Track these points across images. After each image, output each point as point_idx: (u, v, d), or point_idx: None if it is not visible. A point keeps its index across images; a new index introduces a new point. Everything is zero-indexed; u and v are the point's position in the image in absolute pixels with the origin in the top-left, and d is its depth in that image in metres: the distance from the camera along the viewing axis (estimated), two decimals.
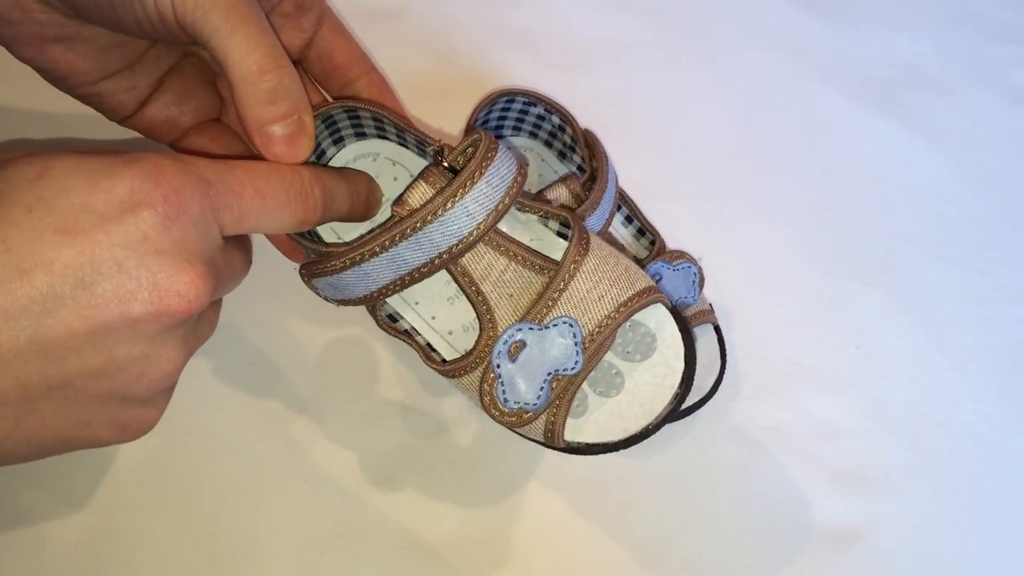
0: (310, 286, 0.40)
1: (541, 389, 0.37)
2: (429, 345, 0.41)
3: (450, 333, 0.41)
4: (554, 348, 0.37)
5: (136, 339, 0.30)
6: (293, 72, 0.36)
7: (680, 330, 0.39)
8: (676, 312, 0.39)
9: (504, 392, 0.37)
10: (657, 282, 0.46)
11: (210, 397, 0.46)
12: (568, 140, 0.50)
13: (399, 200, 0.37)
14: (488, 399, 0.37)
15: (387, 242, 0.36)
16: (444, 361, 0.40)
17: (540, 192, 0.44)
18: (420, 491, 0.45)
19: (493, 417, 0.38)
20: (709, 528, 0.46)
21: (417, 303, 0.42)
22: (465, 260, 0.38)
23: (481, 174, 0.36)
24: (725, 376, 0.48)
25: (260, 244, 0.46)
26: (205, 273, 0.31)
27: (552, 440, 0.38)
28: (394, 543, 0.44)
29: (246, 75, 0.34)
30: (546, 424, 0.38)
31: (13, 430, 0.29)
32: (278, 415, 0.46)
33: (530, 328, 0.37)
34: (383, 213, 0.43)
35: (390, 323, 0.41)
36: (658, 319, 0.39)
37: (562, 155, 0.51)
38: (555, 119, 0.49)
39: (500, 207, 0.37)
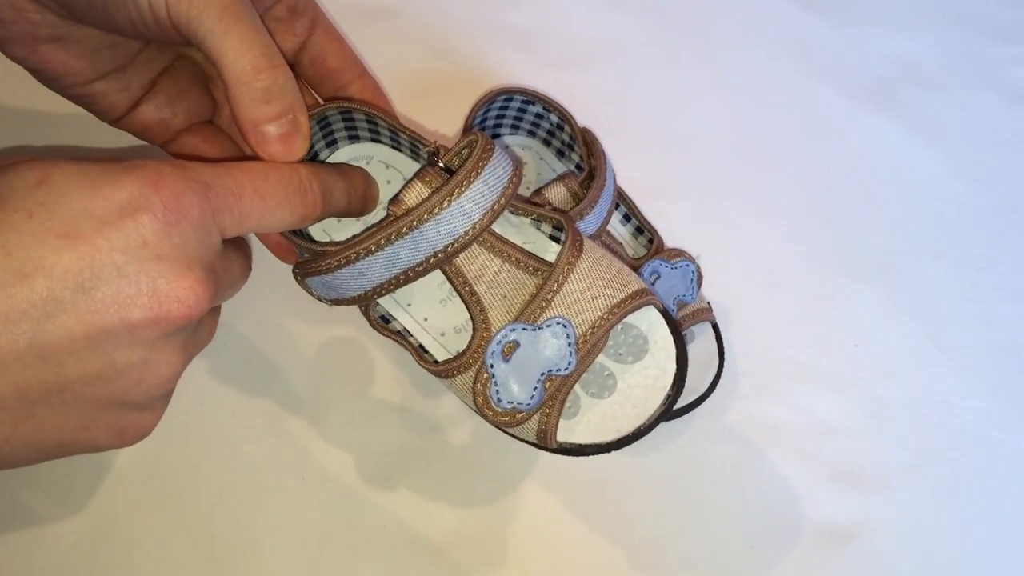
0: (303, 285, 0.40)
1: (534, 389, 0.37)
2: (422, 346, 0.41)
3: (442, 335, 0.42)
4: (547, 348, 0.37)
5: (135, 344, 0.30)
6: (287, 72, 0.36)
7: (672, 332, 0.39)
8: (668, 315, 0.40)
9: (497, 392, 0.37)
10: (655, 280, 0.46)
11: (208, 396, 0.46)
12: (566, 138, 0.50)
13: (395, 199, 0.37)
14: (481, 399, 0.37)
15: (383, 240, 0.36)
16: (437, 362, 0.40)
17: (538, 190, 0.44)
18: (418, 489, 0.45)
19: (486, 417, 0.38)
20: (707, 526, 0.46)
21: (410, 304, 0.42)
22: (460, 260, 0.38)
23: (478, 174, 0.36)
24: (723, 374, 0.48)
25: (258, 243, 0.46)
26: (204, 279, 0.31)
27: (544, 441, 0.38)
28: (392, 541, 0.44)
29: (240, 74, 0.34)
30: (539, 425, 0.38)
31: (11, 434, 0.29)
32: (276, 414, 0.46)
33: (524, 328, 0.37)
34: (377, 214, 0.43)
35: (383, 324, 0.41)
36: (650, 321, 0.39)
37: (560, 153, 0.51)
38: (553, 117, 0.49)
39: (496, 207, 0.37)
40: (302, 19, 0.42)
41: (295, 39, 0.42)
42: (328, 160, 0.45)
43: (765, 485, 0.47)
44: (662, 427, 0.46)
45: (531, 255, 0.39)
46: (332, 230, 0.44)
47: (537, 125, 0.51)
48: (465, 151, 0.38)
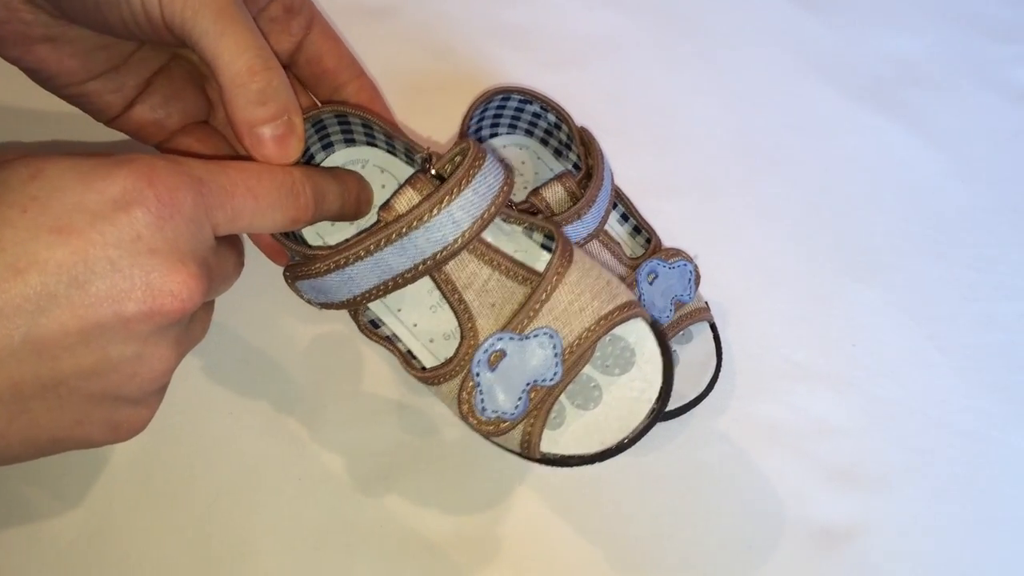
0: (293, 288, 0.40)
1: (519, 399, 0.37)
2: (410, 352, 0.41)
3: (431, 341, 0.42)
4: (534, 359, 0.37)
5: (129, 338, 0.30)
6: (282, 74, 0.36)
7: (659, 345, 0.39)
8: (656, 327, 0.40)
9: (483, 401, 0.37)
10: (653, 280, 0.46)
11: (205, 396, 0.46)
12: (564, 138, 0.49)
13: (385, 205, 0.37)
14: (466, 407, 0.37)
15: (372, 246, 0.36)
16: (424, 368, 0.40)
17: (536, 190, 0.44)
18: (415, 489, 0.45)
19: (471, 426, 0.38)
20: (704, 526, 0.46)
21: (399, 310, 0.42)
22: (449, 268, 0.38)
23: (468, 182, 0.36)
24: (721, 374, 0.48)
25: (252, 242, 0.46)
26: (198, 273, 0.31)
27: (528, 451, 0.38)
28: (388, 541, 0.44)
29: (235, 76, 0.34)
30: (523, 434, 0.38)
31: (6, 429, 0.29)
32: (272, 414, 0.46)
33: (511, 338, 0.37)
34: (369, 219, 0.43)
35: (372, 329, 0.42)
36: (638, 334, 0.39)
37: (558, 153, 0.51)
38: (551, 117, 0.49)
39: (486, 215, 0.37)
40: (298, 19, 0.41)
41: (291, 39, 0.42)
42: (324, 163, 0.45)
43: (763, 485, 0.47)
44: (660, 427, 0.46)
45: (521, 264, 0.39)
46: (325, 233, 0.44)
47: (534, 124, 0.51)
48: (457, 158, 0.37)
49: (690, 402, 0.46)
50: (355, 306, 0.39)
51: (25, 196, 0.29)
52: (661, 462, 0.47)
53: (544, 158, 0.52)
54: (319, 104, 0.44)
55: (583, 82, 0.58)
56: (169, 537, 0.43)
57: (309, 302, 0.40)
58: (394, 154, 0.44)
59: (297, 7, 0.41)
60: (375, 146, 0.44)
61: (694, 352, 0.48)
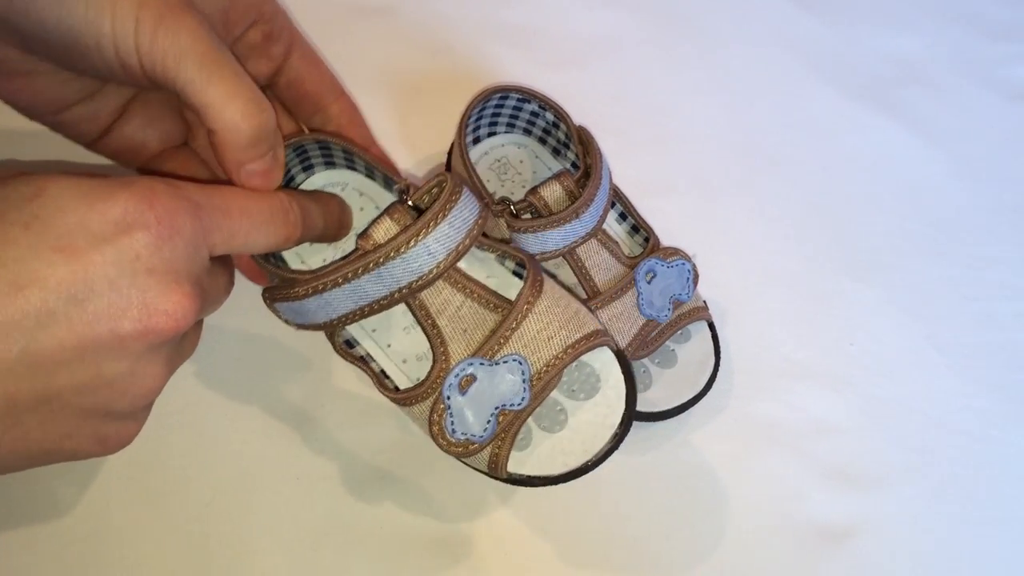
0: (272, 309, 0.41)
1: (488, 422, 0.38)
2: (383, 372, 0.42)
3: (404, 361, 0.43)
4: (503, 384, 0.38)
5: (123, 356, 0.30)
6: (273, 114, 0.37)
7: (623, 373, 0.40)
8: (621, 355, 0.41)
9: (452, 423, 0.38)
10: (652, 279, 0.46)
11: (202, 396, 0.46)
12: (562, 137, 0.49)
13: (364, 234, 0.38)
14: (436, 428, 0.38)
15: (350, 274, 0.37)
16: (397, 389, 0.41)
17: (534, 189, 0.44)
18: (413, 488, 0.45)
19: (440, 447, 0.39)
20: (703, 525, 0.46)
21: (374, 331, 0.43)
22: (424, 294, 0.39)
23: (445, 215, 0.38)
24: (719, 373, 0.48)
25: None
26: (192, 293, 0.31)
27: (495, 471, 0.39)
28: (386, 541, 0.44)
29: (229, 123, 0.35)
30: (490, 456, 0.39)
31: None
32: (269, 413, 0.46)
33: (481, 363, 0.38)
34: (348, 242, 0.45)
35: (347, 348, 0.43)
36: (603, 361, 0.41)
37: (556, 152, 0.51)
38: (549, 116, 0.49)
39: (460, 248, 0.38)
40: (277, 44, 0.42)
41: (271, 63, 0.42)
42: (304, 184, 0.46)
43: (761, 484, 0.47)
44: (658, 427, 0.46)
45: (493, 292, 0.40)
46: (305, 255, 0.45)
47: (533, 123, 0.51)
48: (434, 190, 0.39)
49: (688, 401, 0.46)
50: (332, 328, 0.40)
51: (27, 214, 0.29)
52: (659, 461, 0.47)
53: (542, 157, 0.52)
54: (304, 129, 0.45)
55: (582, 81, 0.58)
56: (167, 537, 0.43)
57: (287, 322, 0.41)
58: (373, 179, 0.45)
59: (276, 33, 0.42)
60: (355, 170, 0.46)
61: (692, 351, 0.48)
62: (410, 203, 0.39)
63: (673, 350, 0.48)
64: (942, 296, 0.54)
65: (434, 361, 0.39)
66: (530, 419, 0.40)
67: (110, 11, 0.33)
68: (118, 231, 0.30)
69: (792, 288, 0.53)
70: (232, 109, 0.35)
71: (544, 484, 0.40)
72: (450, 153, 0.52)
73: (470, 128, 0.50)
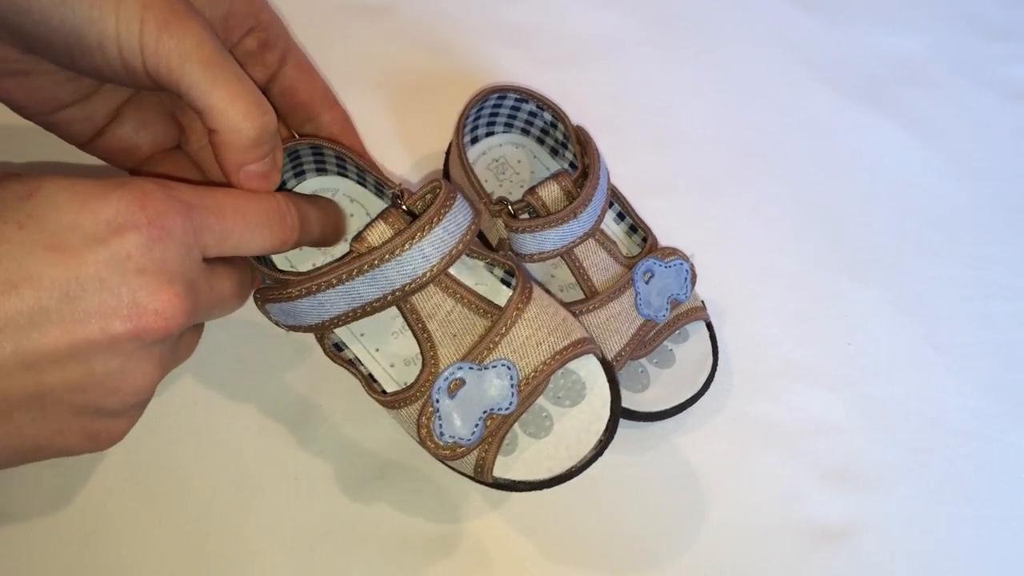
0: (263, 310, 0.41)
1: (476, 426, 0.39)
2: (371, 375, 0.43)
3: (392, 365, 0.43)
4: (491, 388, 0.39)
5: (115, 354, 0.31)
6: (274, 116, 0.37)
7: (608, 381, 0.41)
8: (606, 363, 0.41)
9: (440, 426, 0.39)
10: (649, 279, 0.46)
11: (200, 395, 0.46)
12: (560, 137, 0.49)
13: (358, 237, 0.38)
14: (425, 431, 0.39)
15: (344, 275, 0.38)
16: (385, 392, 0.42)
17: (532, 189, 0.45)
18: (412, 488, 0.45)
19: (428, 449, 0.39)
20: (700, 525, 0.46)
21: (363, 335, 0.43)
22: (415, 298, 0.40)
23: (439, 220, 0.38)
24: (717, 373, 0.48)
25: None
26: (183, 293, 0.32)
27: (481, 475, 0.40)
28: (385, 541, 0.44)
29: (231, 124, 0.35)
30: (477, 459, 0.39)
31: None
32: (268, 413, 0.46)
33: (470, 368, 0.39)
34: (339, 247, 0.45)
35: (336, 352, 0.43)
36: (589, 369, 0.41)
37: (554, 152, 0.51)
38: (547, 115, 0.49)
39: (454, 252, 0.39)
40: (272, 52, 0.42)
41: (265, 71, 0.43)
42: (295, 188, 0.46)
43: (759, 484, 0.47)
44: (656, 426, 0.46)
45: (483, 298, 0.41)
46: (294, 259, 0.45)
47: (531, 123, 0.51)
48: (428, 196, 0.39)
49: (686, 401, 0.46)
50: (322, 330, 0.40)
51: (21, 213, 0.29)
52: (657, 461, 0.47)
53: (540, 157, 0.52)
54: (296, 136, 0.45)
55: (580, 81, 0.58)
56: (165, 537, 0.43)
57: (276, 324, 0.41)
58: (364, 185, 0.45)
59: (272, 41, 0.42)
60: (346, 176, 0.46)
61: (690, 351, 0.48)
62: (404, 208, 0.39)
63: (671, 350, 0.48)
64: (940, 296, 0.54)
65: (423, 365, 0.40)
66: (516, 425, 0.41)
67: (114, 12, 0.33)
68: (110, 231, 0.30)
69: (790, 288, 0.53)
70: (235, 110, 0.35)
71: (529, 489, 0.40)
72: (448, 153, 0.52)
73: (468, 128, 0.50)
